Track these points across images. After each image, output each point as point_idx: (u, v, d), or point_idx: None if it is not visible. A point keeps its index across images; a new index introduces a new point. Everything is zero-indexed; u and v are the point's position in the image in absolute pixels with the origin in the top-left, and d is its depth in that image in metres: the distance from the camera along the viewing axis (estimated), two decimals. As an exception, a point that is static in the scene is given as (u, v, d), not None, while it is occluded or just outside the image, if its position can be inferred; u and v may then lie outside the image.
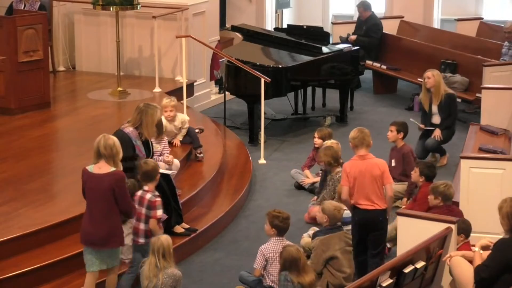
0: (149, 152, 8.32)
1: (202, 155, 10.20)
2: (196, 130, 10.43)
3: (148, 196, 7.59)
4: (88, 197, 7.14)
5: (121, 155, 7.21)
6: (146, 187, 7.66)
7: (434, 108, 11.06)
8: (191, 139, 10.36)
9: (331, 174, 9.38)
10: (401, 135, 10.12)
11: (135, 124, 8.20)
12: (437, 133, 10.97)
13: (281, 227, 7.58)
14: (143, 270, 7.16)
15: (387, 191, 7.71)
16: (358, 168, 7.68)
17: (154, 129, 8.22)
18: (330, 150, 9.50)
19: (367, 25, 14.84)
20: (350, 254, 7.83)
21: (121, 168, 7.20)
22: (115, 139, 7.19)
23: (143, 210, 7.55)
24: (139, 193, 7.65)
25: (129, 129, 8.15)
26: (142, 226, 7.57)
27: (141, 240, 7.58)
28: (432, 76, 10.93)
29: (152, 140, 8.86)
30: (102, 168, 7.06)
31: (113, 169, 7.05)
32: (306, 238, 8.41)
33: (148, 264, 7.12)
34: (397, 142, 10.15)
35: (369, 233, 7.73)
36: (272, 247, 7.54)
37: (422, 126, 11.15)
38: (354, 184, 7.67)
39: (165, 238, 7.15)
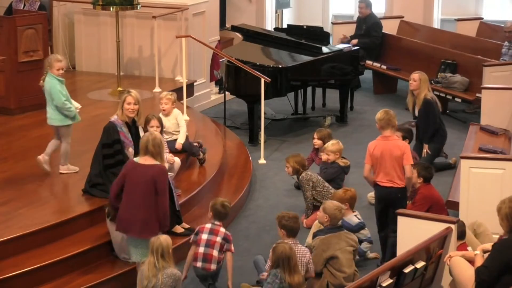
0: (138, 140, 8.33)
1: (204, 158, 10.15)
2: (195, 144, 10.26)
3: (223, 229, 7.85)
4: (129, 186, 7.46)
5: (166, 149, 7.73)
6: (217, 222, 7.87)
7: (417, 112, 10.78)
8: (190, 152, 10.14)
9: (300, 180, 9.43)
10: (406, 141, 10.00)
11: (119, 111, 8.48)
12: (425, 149, 10.66)
13: (289, 226, 7.55)
14: (143, 270, 7.15)
15: (406, 171, 8.16)
16: (380, 148, 8.20)
17: (124, 113, 8.34)
18: (298, 157, 9.61)
19: (367, 24, 14.85)
20: (350, 254, 7.82)
21: (165, 164, 7.72)
22: (159, 136, 7.66)
23: (217, 239, 7.75)
24: (208, 225, 7.85)
25: (114, 118, 8.43)
26: (215, 253, 7.73)
27: (213, 267, 7.73)
28: (418, 80, 10.59)
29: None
30: (148, 160, 7.47)
31: (157, 162, 7.46)
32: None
33: (147, 264, 7.12)
34: None
35: (390, 210, 8.13)
36: None
37: (413, 123, 10.93)
38: (376, 163, 8.21)
39: (164, 238, 7.14)
